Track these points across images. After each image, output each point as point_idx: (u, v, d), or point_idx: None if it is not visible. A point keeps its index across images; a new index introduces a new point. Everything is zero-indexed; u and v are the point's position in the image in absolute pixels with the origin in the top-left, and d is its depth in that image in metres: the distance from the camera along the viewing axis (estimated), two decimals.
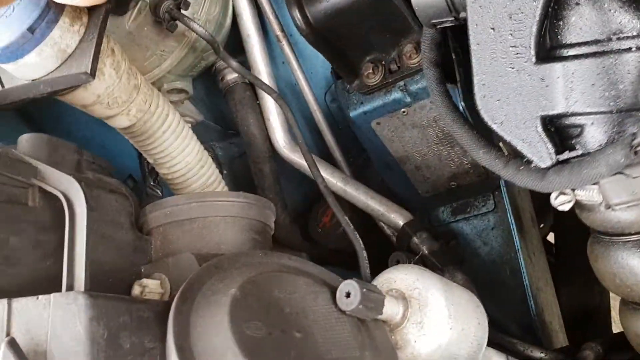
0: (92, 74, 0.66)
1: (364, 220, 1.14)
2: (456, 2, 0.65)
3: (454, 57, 0.82)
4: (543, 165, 0.61)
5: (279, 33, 1.07)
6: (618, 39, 0.58)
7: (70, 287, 0.56)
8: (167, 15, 0.87)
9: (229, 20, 1.05)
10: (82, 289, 0.56)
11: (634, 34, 0.57)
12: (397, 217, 1.10)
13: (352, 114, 1.05)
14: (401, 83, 0.98)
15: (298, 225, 1.18)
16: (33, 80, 0.69)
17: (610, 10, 0.58)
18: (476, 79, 0.64)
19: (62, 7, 0.65)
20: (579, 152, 0.60)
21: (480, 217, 1.16)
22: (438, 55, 0.76)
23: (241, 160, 1.18)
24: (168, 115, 0.84)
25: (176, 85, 0.99)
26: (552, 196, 0.63)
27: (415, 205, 1.17)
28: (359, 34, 0.97)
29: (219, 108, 1.18)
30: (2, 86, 0.71)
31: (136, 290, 0.62)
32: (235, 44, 1.09)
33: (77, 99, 0.74)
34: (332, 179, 1.11)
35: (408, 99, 0.98)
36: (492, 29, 0.62)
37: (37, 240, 0.60)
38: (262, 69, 1.08)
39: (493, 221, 1.15)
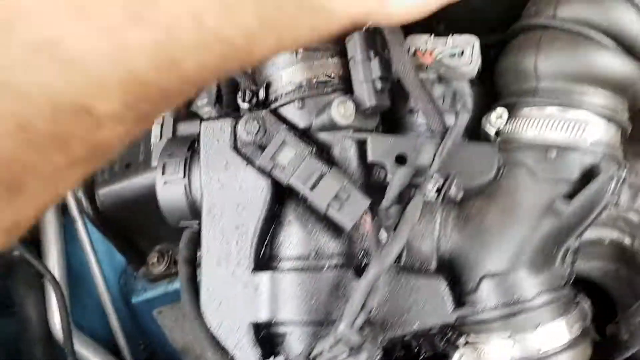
0: None
1: None
2: (197, 207, 0.72)
3: None
4: None
5: (75, 212, 1.09)
6: (318, 257, 0.66)
7: None
8: None
9: None
10: None
11: (330, 253, 0.66)
12: None
13: (135, 300, 1.05)
14: None
15: None
16: None
17: (313, 231, 0.66)
18: (202, 283, 0.68)
19: None
20: (282, 359, 0.64)
21: None
22: (193, 254, 0.81)
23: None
24: None
25: None
26: None
27: None
28: (148, 224, 1.01)
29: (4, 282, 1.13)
30: None
31: None
32: None
33: None
34: None
35: None
36: (221, 237, 0.68)
37: None
38: (51, 247, 1.08)
39: None
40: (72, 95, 0.31)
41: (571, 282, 0.64)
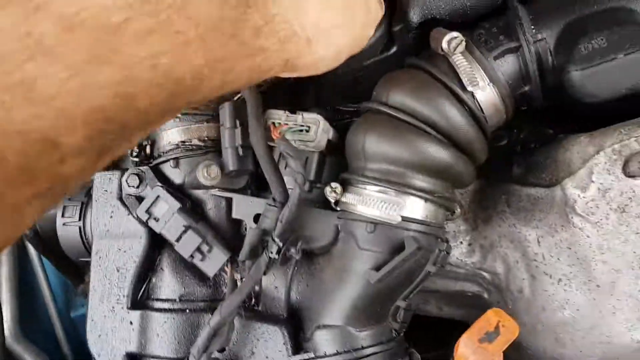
0: None
1: None
2: (90, 248, 0.81)
3: None
4: None
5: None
6: (184, 300, 0.74)
7: None
8: None
9: None
10: None
11: (196, 297, 0.74)
12: None
13: (73, 314, 1.15)
14: None
15: None
16: None
17: (182, 277, 0.74)
18: (88, 315, 0.77)
19: None
20: None
21: None
22: None
23: None
24: None
25: None
26: None
27: None
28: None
29: None
30: None
31: None
32: None
33: None
34: None
35: None
36: (104, 277, 0.77)
37: None
38: (4, 259, 1.18)
39: None
40: (42, 130, 0.33)
41: (402, 334, 0.71)
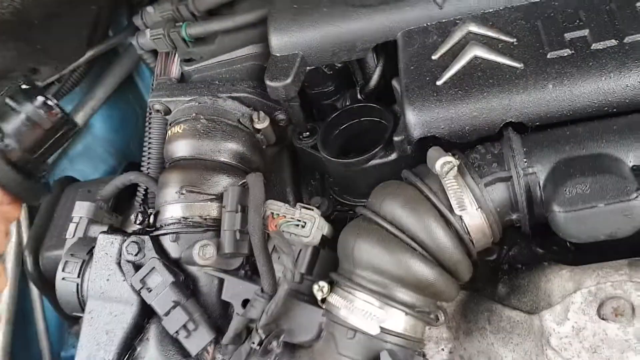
0: None
1: None
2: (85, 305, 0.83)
3: None
4: None
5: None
6: None
7: None
8: None
9: None
10: None
11: None
12: None
13: (63, 354, 1.17)
14: None
15: None
16: None
17: (166, 350, 0.76)
18: None
19: None
20: None
21: None
22: None
23: None
24: None
25: None
26: None
27: None
28: None
29: None
30: None
31: None
32: None
33: None
34: None
35: None
36: (93, 337, 0.79)
37: None
38: (6, 290, 1.22)
39: None
40: None
41: None
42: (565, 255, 0.75)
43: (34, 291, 1.22)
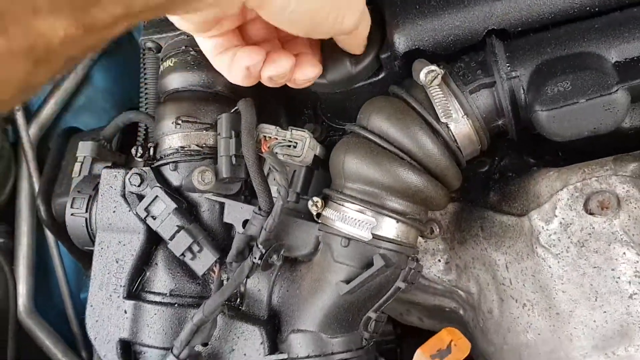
0: None
1: None
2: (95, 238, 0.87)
3: None
4: None
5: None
6: (174, 295, 0.80)
7: None
8: None
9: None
10: None
11: (186, 293, 0.79)
12: None
13: (82, 295, 1.22)
14: None
15: None
16: None
17: (174, 273, 0.80)
18: (88, 301, 0.83)
19: None
20: None
21: None
22: None
23: None
24: None
25: None
26: None
27: None
28: None
29: None
30: None
31: None
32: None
33: None
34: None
35: None
36: (104, 266, 0.83)
37: None
38: (24, 240, 1.27)
39: None
40: None
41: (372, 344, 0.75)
42: (557, 163, 0.77)
43: (51, 242, 1.27)
